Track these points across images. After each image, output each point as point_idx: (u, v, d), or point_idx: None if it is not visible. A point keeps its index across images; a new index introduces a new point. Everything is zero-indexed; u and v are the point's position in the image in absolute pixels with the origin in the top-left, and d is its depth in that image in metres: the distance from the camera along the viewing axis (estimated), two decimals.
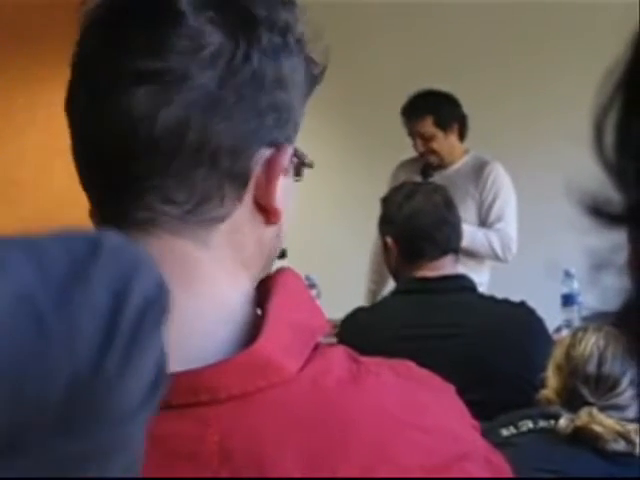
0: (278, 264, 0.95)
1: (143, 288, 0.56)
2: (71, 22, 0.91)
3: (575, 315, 4.07)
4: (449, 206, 2.89)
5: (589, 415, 2.04)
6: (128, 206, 0.86)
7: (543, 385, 2.23)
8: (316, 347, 0.86)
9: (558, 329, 3.88)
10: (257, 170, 0.87)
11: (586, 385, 2.10)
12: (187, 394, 0.79)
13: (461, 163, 4.60)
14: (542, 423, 2.11)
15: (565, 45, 5.80)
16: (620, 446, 2.01)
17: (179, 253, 0.86)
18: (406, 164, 4.73)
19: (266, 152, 0.88)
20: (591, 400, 2.08)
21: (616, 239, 0.51)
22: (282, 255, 0.99)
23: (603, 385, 2.09)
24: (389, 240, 2.88)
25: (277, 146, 0.88)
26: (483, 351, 2.65)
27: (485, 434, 0.91)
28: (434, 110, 4.48)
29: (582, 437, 2.03)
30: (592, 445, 2.02)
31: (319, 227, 5.77)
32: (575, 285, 4.12)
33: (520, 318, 2.77)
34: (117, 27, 0.87)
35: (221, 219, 0.87)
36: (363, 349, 0.91)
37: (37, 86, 6.19)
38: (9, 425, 0.51)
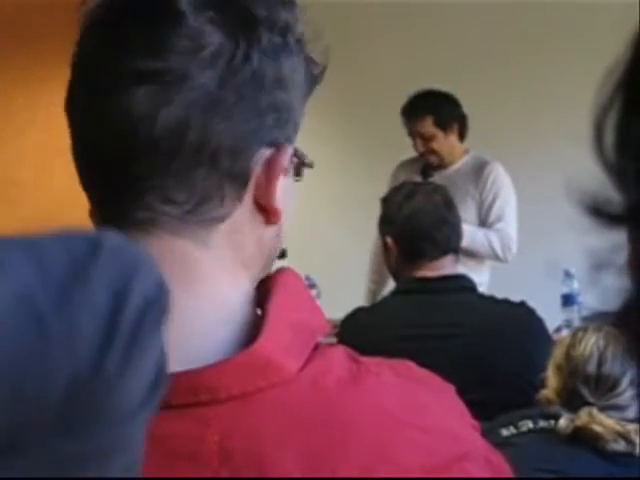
0: (278, 264, 0.95)
1: (143, 288, 0.56)
2: (71, 22, 0.91)
3: (575, 315, 4.07)
4: (449, 206, 2.89)
5: (589, 415, 2.04)
6: (128, 206, 0.86)
7: (543, 385, 2.23)
8: (316, 347, 0.86)
9: (558, 329, 3.88)
10: (257, 170, 0.87)
11: (586, 385, 2.10)
12: (187, 394, 0.79)
13: (461, 163, 4.60)
14: (542, 423, 2.11)
15: (565, 45, 5.80)
16: (620, 446, 2.01)
17: (179, 253, 0.86)
18: (406, 164, 4.73)
19: (266, 152, 0.88)
20: (591, 400, 2.08)
21: (616, 239, 0.51)
22: (282, 255, 0.99)
23: (603, 385, 2.09)
24: (389, 240, 2.88)
25: (277, 146, 0.88)
26: (483, 351, 2.65)
27: (485, 434, 0.91)
28: (434, 110, 4.48)
29: (582, 437, 2.03)
30: (592, 445, 2.02)
31: (319, 227, 5.77)
32: (575, 285, 4.12)
33: (520, 318, 2.77)
34: (117, 27, 0.87)
35: (221, 219, 0.87)
36: (363, 349, 0.91)
37: (37, 86, 6.19)
38: (9, 425, 0.51)
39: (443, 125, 4.50)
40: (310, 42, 0.92)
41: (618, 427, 2.01)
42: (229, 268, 0.88)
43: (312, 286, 4.35)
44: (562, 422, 2.06)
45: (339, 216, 6.06)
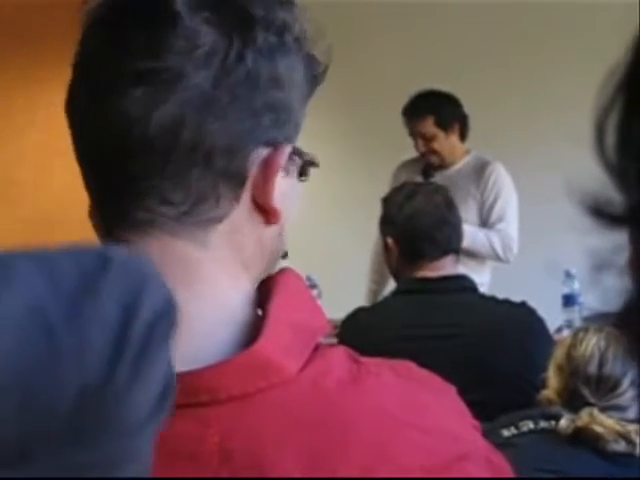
0: (279, 264, 0.95)
1: (152, 302, 0.57)
2: (71, 22, 0.91)
3: (576, 315, 4.07)
4: (450, 206, 2.89)
5: (590, 415, 2.04)
6: (127, 206, 0.86)
7: (544, 385, 2.23)
8: (316, 348, 0.86)
9: (559, 329, 3.88)
10: (254, 170, 0.87)
11: (587, 386, 2.10)
12: (187, 394, 0.78)
13: (462, 163, 4.59)
14: (543, 423, 2.11)
15: (565, 45, 5.80)
16: (621, 447, 2.01)
17: (180, 254, 0.86)
18: (407, 164, 4.73)
19: (263, 152, 0.87)
20: (592, 401, 2.08)
21: (617, 240, 0.51)
22: (283, 255, 0.99)
23: (604, 386, 2.09)
24: (390, 240, 2.88)
25: (275, 145, 0.88)
26: (484, 351, 2.65)
27: (486, 434, 0.90)
28: (435, 110, 4.48)
29: (583, 437, 2.03)
30: (593, 445, 2.02)
31: (320, 227, 5.77)
32: (576, 285, 4.12)
33: (521, 318, 2.77)
34: (116, 27, 0.88)
35: (219, 219, 0.87)
36: (363, 349, 0.91)
37: (37, 87, 6.19)
38: (19, 434, 0.52)
39: (444, 125, 4.50)
40: (312, 41, 0.92)
41: (619, 427, 2.01)
42: (229, 269, 0.88)
43: (313, 286, 4.35)
44: (563, 422, 2.06)
45: (340, 216, 6.06)
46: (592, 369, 2.10)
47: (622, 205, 0.51)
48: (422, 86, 4.55)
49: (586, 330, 2.20)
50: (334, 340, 2.72)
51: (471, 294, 2.83)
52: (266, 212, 0.89)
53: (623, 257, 0.52)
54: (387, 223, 2.92)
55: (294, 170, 0.92)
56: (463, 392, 0.93)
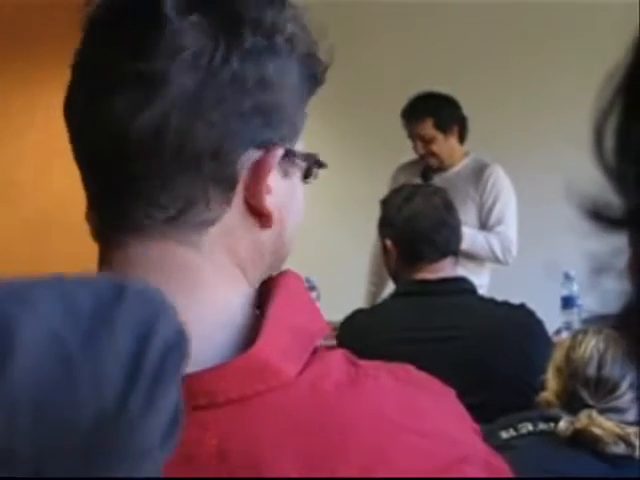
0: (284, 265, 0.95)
1: (165, 333, 0.59)
2: (71, 23, 0.91)
3: (575, 317, 4.07)
4: (448, 208, 2.89)
5: (589, 418, 2.04)
6: (124, 209, 0.86)
7: (543, 387, 2.23)
8: (315, 351, 0.85)
9: (558, 331, 3.88)
10: (245, 172, 0.87)
11: (586, 388, 2.09)
12: (186, 398, 0.78)
13: (461, 165, 4.60)
14: (542, 426, 2.11)
15: (565, 45, 5.80)
16: (620, 449, 2.00)
17: (179, 258, 0.86)
18: (406, 166, 4.73)
19: (255, 154, 0.87)
20: (591, 403, 2.08)
21: (616, 243, 0.51)
22: None
23: (603, 388, 2.08)
24: (388, 242, 2.88)
25: (267, 147, 0.88)
26: (483, 353, 2.65)
27: (485, 437, 0.90)
28: (434, 112, 4.48)
29: (582, 440, 2.03)
30: (592, 448, 2.02)
31: (319, 229, 5.76)
32: (575, 287, 4.12)
33: (520, 320, 2.77)
34: (110, 29, 0.88)
35: (210, 222, 0.86)
36: (362, 351, 0.91)
37: (36, 88, 6.19)
38: (34, 451, 0.54)
39: (443, 127, 4.50)
40: (311, 41, 0.91)
41: (618, 430, 2.01)
42: (227, 272, 0.88)
43: (312, 288, 4.35)
44: (562, 425, 2.06)
45: (339, 218, 6.06)
46: (591, 371, 2.10)
47: (621, 208, 0.51)
48: (422, 87, 4.55)
49: (585, 332, 2.20)
50: (333, 342, 2.72)
51: (470, 296, 2.83)
52: (259, 214, 0.89)
53: (622, 260, 0.52)
54: (386, 225, 2.92)
55: (294, 171, 0.92)
56: (462, 395, 0.92)
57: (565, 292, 4.15)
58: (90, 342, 0.56)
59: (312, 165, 0.93)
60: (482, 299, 2.90)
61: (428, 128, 4.49)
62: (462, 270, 3.08)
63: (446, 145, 4.53)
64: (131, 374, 0.56)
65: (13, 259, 5.88)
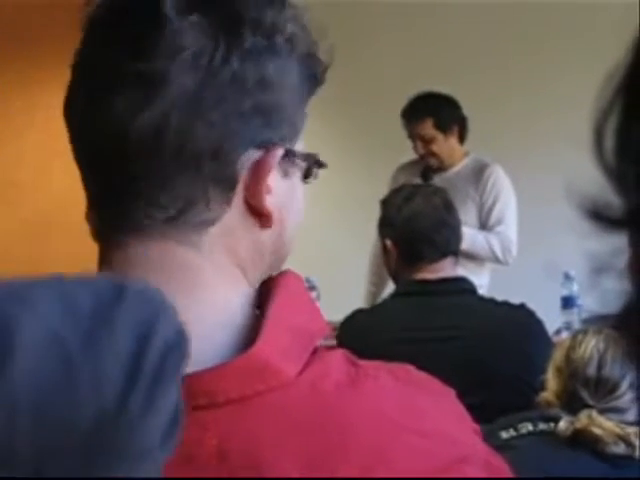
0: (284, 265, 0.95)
1: (165, 333, 0.59)
2: (71, 23, 0.91)
3: (575, 317, 4.07)
4: (448, 208, 2.89)
5: (589, 418, 2.04)
6: (124, 209, 0.86)
7: (543, 387, 2.23)
8: (315, 351, 0.85)
9: (558, 331, 3.88)
10: (245, 173, 0.87)
11: (586, 388, 2.09)
12: (186, 398, 0.78)
13: (461, 165, 4.60)
14: (542, 426, 2.11)
15: (565, 45, 5.80)
16: (620, 449, 2.00)
17: (179, 258, 0.86)
18: (406, 167, 4.73)
19: (255, 154, 0.87)
20: (591, 403, 2.07)
21: (616, 243, 0.51)
22: None
23: (603, 388, 2.08)
24: (388, 242, 2.88)
25: (267, 147, 0.88)
26: (483, 353, 2.65)
27: (485, 437, 0.90)
28: (434, 112, 4.48)
29: (582, 440, 2.03)
30: (592, 448, 2.02)
31: (319, 229, 5.76)
32: (575, 287, 4.12)
33: (520, 320, 2.77)
34: (110, 29, 0.88)
35: (211, 222, 0.87)
36: (362, 351, 0.91)
37: (36, 88, 6.19)
38: (34, 451, 0.54)
39: (443, 127, 4.50)
40: (311, 41, 0.91)
41: (618, 430, 2.01)
42: (227, 271, 0.88)
43: (312, 288, 4.35)
44: (562, 425, 2.06)
45: (339, 218, 6.06)
46: (591, 371, 2.10)
47: (621, 208, 0.51)
48: (421, 87, 4.55)
49: (585, 332, 2.20)
50: (333, 342, 2.72)
51: (470, 296, 2.83)
52: (259, 214, 0.89)
53: (622, 260, 0.52)
54: (386, 225, 2.92)
55: (294, 171, 0.92)
56: (462, 395, 0.92)
57: (565, 292, 4.16)
58: (90, 342, 0.56)
59: (312, 165, 0.93)
60: (482, 299, 2.90)
61: (428, 128, 4.49)
62: (462, 270, 3.08)
63: (446, 145, 4.53)
64: (131, 374, 0.56)
65: (13, 259, 5.88)
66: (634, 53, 0.51)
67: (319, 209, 5.56)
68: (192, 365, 0.80)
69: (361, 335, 2.75)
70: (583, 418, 2.04)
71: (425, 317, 2.73)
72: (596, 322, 2.03)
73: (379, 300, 4.03)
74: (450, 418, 0.88)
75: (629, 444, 2.00)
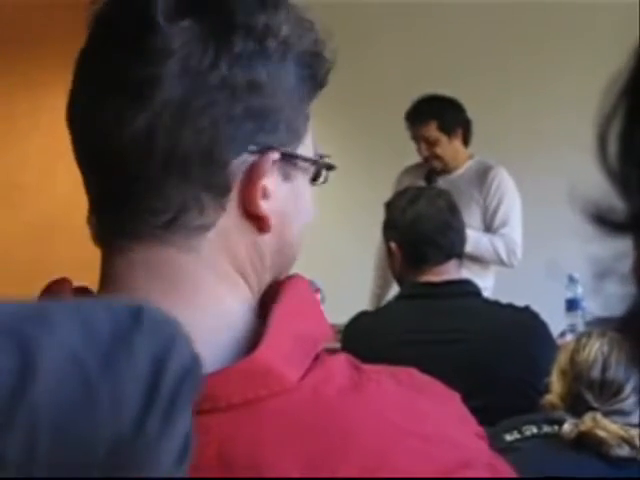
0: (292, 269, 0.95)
1: (180, 358, 0.60)
2: (73, 24, 0.92)
3: (579, 320, 4.07)
4: (453, 211, 2.89)
5: (593, 420, 2.04)
6: (123, 213, 0.87)
7: (547, 390, 2.22)
8: (318, 355, 0.85)
9: (562, 334, 3.88)
10: (240, 177, 0.87)
11: (590, 390, 2.09)
12: None
13: (465, 168, 4.60)
14: (546, 428, 2.11)
15: (565, 45, 5.80)
16: (624, 451, 2.00)
17: (175, 263, 0.86)
18: (410, 170, 4.73)
19: (249, 158, 0.87)
20: (595, 405, 2.07)
21: (620, 247, 0.51)
22: None
23: (607, 390, 2.08)
24: (393, 245, 2.88)
25: (262, 152, 0.88)
26: (487, 356, 2.65)
27: (489, 439, 0.90)
28: (438, 115, 4.48)
29: (586, 442, 2.03)
30: (596, 450, 2.02)
31: (323, 232, 5.75)
32: (579, 290, 4.12)
33: (524, 323, 2.77)
34: (103, 35, 0.89)
35: (207, 227, 0.86)
36: (366, 354, 0.91)
37: (40, 91, 6.20)
38: (53, 474, 0.55)
39: (447, 130, 4.50)
40: (313, 41, 0.91)
41: (622, 432, 2.01)
42: (227, 276, 0.88)
43: (316, 291, 4.35)
44: (566, 427, 2.06)
45: (343, 221, 6.06)
46: (595, 374, 2.10)
47: (624, 212, 0.51)
48: (423, 89, 4.55)
49: (589, 335, 2.20)
50: (337, 345, 2.72)
51: (475, 299, 2.83)
52: (256, 218, 0.88)
53: (626, 264, 0.52)
54: (390, 228, 2.92)
55: (297, 174, 0.91)
56: (466, 397, 0.92)
57: (569, 295, 4.15)
58: (109, 364, 0.57)
59: (320, 168, 0.93)
60: (486, 301, 2.90)
61: (432, 130, 4.49)
62: (466, 272, 3.08)
63: (450, 148, 4.53)
64: (149, 397, 0.57)
65: (16, 262, 5.89)
66: (637, 57, 0.51)
67: (323, 212, 5.55)
68: None
69: (365, 337, 2.75)
70: (587, 421, 2.04)
71: (429, 320, 2.72)
72: (600, 325, 2.04)
73: (383, 302, 4.03)
74: (453, 421, 0.88)
75: (633, 447, 2.00)
